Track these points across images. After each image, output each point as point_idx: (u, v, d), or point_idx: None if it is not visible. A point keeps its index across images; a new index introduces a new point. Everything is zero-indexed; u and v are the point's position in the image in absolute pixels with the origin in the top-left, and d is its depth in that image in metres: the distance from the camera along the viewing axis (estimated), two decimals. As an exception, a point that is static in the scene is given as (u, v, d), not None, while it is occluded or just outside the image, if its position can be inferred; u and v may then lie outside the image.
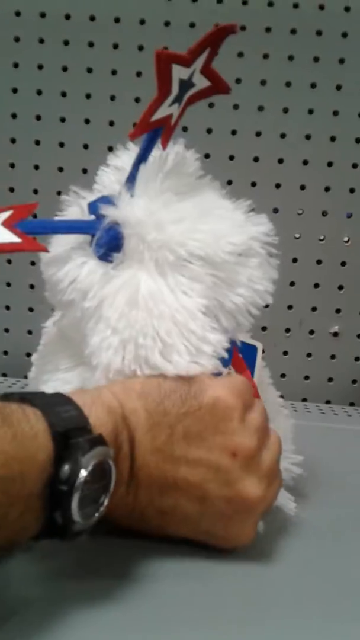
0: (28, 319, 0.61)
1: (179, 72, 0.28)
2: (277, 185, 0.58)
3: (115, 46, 0.57)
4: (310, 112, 0.57)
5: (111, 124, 0.58)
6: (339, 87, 0.56)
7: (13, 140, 0.60)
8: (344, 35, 0.55)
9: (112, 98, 0.58)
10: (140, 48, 0.57)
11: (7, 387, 0.58)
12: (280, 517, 0.31)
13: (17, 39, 0.58)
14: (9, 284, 0.62)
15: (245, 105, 0.57)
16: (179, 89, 0.29)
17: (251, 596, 0.26)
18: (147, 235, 0.28)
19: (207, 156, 0.54)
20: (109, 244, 0.29)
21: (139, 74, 0.57)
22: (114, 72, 0.58)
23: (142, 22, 0.57)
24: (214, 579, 0.27)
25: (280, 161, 0.58)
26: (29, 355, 0.63)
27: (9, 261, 0.61)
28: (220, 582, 0.26)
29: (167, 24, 0.57)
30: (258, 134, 0.57)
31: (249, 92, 0.56)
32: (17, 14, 0.58)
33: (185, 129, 0.51)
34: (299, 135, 0.57)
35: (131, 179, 0.30)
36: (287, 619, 0.24)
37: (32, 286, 0.60)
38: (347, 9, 0.55)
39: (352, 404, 0.59)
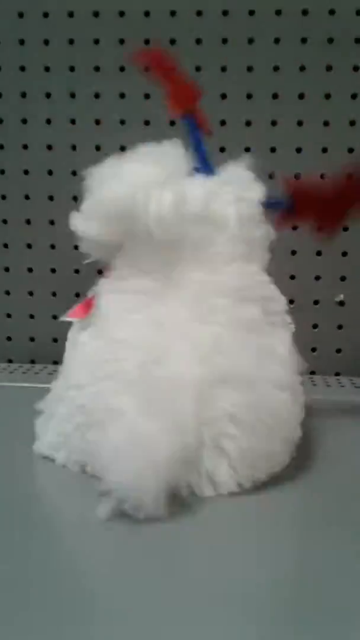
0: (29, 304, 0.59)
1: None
2: (272, 149, 0.55)
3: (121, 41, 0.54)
4: (301, 96, 0.54)
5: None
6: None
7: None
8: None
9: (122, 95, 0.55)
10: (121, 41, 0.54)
11: (9, 373, 0.57)
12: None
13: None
14: (7, 269, 0.59)
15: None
16: None
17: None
18: None
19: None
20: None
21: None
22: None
23: (147, 13, 0.54)
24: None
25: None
26: (32, 340, 0.61)
27: (5, 245, 0.59)
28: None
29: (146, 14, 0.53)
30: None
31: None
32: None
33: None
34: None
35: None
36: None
37: (30, 270, 0.59)
38: None
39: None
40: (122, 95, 0.55)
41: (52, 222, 0.58)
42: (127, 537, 0.28)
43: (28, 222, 0.58)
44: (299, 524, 0.31)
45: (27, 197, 0.58)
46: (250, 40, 0.53)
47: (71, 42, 0.55)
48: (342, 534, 0.28)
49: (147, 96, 0.54)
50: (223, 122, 0.54)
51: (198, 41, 0.53)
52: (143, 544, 0.27)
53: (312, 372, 0.57)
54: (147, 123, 0.55)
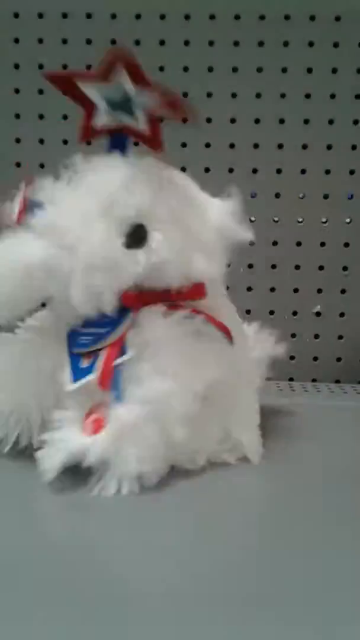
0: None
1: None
2: (254, 171, 0.59)
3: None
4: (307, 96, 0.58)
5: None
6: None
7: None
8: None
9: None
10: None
11: None
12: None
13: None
14: None
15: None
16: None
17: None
18: None
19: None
20: None
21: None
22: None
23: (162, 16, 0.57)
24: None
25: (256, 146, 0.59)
26: None
27: None
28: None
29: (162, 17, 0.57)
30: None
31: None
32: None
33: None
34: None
35: None
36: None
37: None
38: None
39: (337, 382, 0.61)
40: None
41: None
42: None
43: None
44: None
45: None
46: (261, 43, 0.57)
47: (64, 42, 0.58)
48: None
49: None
50: (233, 120, 0.58)
51: (211, 43, 0.57)
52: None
53: (291, 379, 0.60)
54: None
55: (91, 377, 0.32)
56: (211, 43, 0.57)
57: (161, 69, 0.57)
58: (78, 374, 0.32)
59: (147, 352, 0.33)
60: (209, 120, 0.58)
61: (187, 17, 0.57)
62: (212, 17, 0.57)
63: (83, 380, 0.32)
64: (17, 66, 0.59)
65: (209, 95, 0.58)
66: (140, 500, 0.31)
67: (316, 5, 0.56)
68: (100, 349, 0.33)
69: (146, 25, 0.57)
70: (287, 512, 0.32)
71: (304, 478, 0.36)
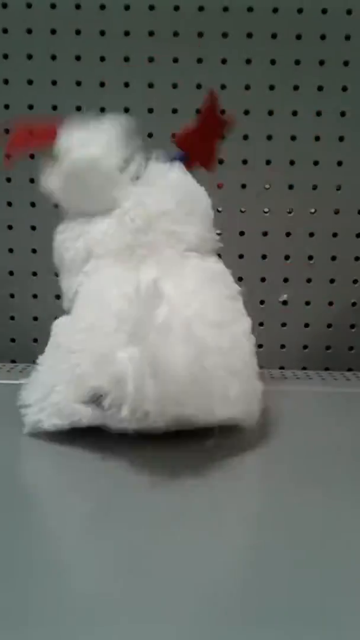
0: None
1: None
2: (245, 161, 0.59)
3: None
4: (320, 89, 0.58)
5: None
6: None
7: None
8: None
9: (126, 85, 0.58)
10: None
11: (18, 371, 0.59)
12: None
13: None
14: (11, 273, 0.62)
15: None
16: None
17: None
18: None
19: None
20: None
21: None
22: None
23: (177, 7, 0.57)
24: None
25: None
26: (35, 341, 0.64)
27: (10, 250, 0.62)
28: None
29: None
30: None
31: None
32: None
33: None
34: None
35: None
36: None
37: (34, 273, 0.61)
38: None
39: (304, 368, 0.62)
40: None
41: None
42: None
43: (33, 228, 0.61)
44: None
45: (32, 205, 0.60)
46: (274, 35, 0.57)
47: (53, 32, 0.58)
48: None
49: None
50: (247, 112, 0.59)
51: (224, 35, 0.57)
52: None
53: (282, 367, 0.62)
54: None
55: None
56: (225, 35, 0.57)
57: (175, 60, 0.58)
58: None
59: None
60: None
61: (201, 8, 0.57)
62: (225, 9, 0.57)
63: None
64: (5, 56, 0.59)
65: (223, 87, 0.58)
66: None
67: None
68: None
69: (161, 17, 0.57)
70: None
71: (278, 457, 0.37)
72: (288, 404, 0.47)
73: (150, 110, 0.59)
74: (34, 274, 0.61)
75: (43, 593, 0.24)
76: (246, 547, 0.29)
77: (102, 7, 0.57)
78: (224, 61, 0.58)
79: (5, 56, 0.58)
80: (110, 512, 0.31)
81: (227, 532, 0.30)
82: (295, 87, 0.58)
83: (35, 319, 0.62)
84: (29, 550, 0.28)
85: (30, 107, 0.59)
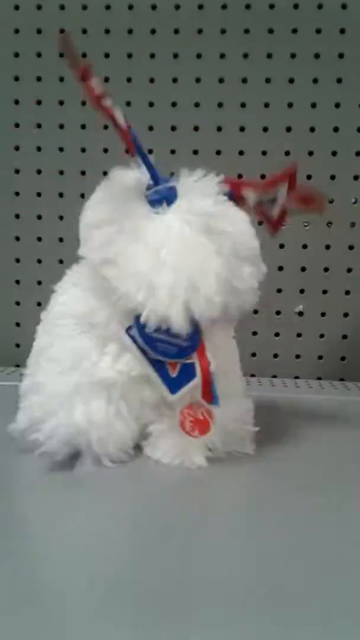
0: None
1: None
2: (240, 176, 0.61)
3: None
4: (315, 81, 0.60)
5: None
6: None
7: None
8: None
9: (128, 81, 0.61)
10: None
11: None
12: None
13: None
14: (17, 282, 0.65)
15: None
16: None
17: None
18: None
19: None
20: (167, 195, 0.37)
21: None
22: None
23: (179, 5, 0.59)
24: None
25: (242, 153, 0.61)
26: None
27: (18, 260, 0.65)
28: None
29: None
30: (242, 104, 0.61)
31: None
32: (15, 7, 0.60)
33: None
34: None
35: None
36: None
37: (39, 282, 0.64)
38: None
39: (319, 378, 0.63)
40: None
41: (60, 240, 0.64)
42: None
43: (39, 239, 0.64)
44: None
45: (39, 217, 0.64)
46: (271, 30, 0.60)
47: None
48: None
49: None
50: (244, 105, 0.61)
51: (223, 31, 0.60)
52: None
53: (296, 377, 0.63)
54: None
55: (189, 388, 0.37)
56: (223, 31, 0.60)
57: (175, 55, 0.61)
58: (172, 384, 0.37)
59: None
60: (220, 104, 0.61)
61: (200, 7, 0.60)
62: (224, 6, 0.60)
63: (183, 391, 0.37)
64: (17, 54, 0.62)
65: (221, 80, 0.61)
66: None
67: None
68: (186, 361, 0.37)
69: (162, 15, 0.60)
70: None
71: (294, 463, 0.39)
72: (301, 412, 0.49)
73: (151, 104, 0.61)
74: (39, 282, 0.64)
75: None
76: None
77: (108, 7, 0.60)
78: (222, 56, 0.60)
79: (17, 54, 0.62)
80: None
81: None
82: (291, 80, 0.60)
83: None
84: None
85: (39, 102, 0.62)
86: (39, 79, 0.62)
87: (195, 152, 0.61)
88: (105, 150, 0.62)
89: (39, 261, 0.64)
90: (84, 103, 0.62)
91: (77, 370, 0.37)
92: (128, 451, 0.38)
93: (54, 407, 0.37)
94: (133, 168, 0.39)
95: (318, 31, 0.59)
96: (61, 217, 0.63)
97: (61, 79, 0.61)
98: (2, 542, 0.29)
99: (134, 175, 0.39)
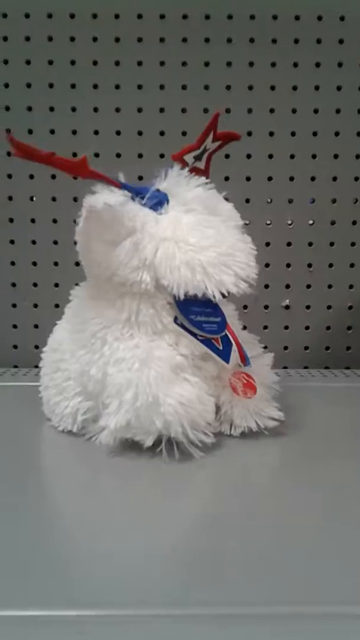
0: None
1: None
2: (247, 177, 0.64)
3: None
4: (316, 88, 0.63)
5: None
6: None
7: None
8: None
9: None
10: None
11: (22, 375, 0.63)
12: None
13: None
14: (14, 284, 0.66)
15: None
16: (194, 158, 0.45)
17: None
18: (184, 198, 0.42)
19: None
20: (162, 197, 0.43)
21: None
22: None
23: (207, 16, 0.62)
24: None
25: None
26: (36, 347, 0.68)
27: (13, 263, 0.66)
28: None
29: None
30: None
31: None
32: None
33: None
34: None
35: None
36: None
37: (35, 284, 0.66)
38: None
39: (306, 367, 0.67)
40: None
41: (55, 242, 0.65)
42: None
43: (33, 242, 0.66)
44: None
45: (32, 221, 0.65)
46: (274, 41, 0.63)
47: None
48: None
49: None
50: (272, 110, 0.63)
51: (229, 40, 0.62)
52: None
53: (285, 367, 0.67)
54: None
55: (235, 355, 0.43)
56: (229, 40, 0.62)
57: (184, 63, 0.63)
58: (224, 355, 0.43)
59: None
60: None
61: (207, 17, 0.62)
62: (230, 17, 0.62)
63: (232, 358, 0.43)
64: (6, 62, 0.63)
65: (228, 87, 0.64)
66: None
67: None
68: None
69: (170, 24, 0.62)
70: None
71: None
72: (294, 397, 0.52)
73: (162, 110, 0.64)
74: (35, 284, 0.66)
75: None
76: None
77: (117, 16, 0.62)
78: (229, 64, 0.63)
79: (28, 62, 0.63)
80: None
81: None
82: (294, 88, 0.64)
83: (36, 326, 0.66)
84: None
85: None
86: (28, 85, 0.63)
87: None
88: (97, 155, 0.63)
89: (34, 264, 0.66)
90: (74, 109, 0.64)
91: (149, 363, 0.39)
92: (211, 428, 0.42)
93: (145, 401, 0.39)
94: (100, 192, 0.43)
95: (318, 41, 0.63)
96: (55, 221, 0.65)
97: (51, 86, 0.63)
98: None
99: (108, 197, 0.42)
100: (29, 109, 0.64)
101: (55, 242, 0.65)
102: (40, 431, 0.45)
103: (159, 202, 0.42)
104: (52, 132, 0.64)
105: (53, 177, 0.64)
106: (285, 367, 0.67)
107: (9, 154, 0.62)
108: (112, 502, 0.35)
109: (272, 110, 0.64)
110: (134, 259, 0.39)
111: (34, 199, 0.65)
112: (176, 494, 0.36)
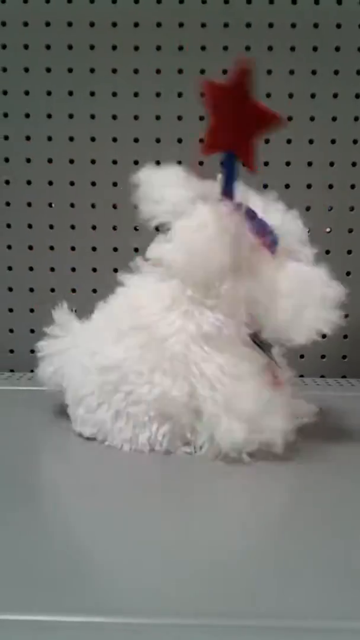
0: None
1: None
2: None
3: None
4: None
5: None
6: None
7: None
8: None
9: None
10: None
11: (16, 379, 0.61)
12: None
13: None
14: (10, 289, 0.65)
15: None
16: None
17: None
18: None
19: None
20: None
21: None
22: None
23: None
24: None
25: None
26: (32, 352, 0.64)
27: (10, 268, 0.64)
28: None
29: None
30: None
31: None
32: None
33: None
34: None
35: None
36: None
37: (32, 289, 0.64)
38: None
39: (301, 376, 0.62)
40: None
41: (51, 248, 0.64)
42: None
43: (30, 248, 0.64)
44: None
45: (29, 226, 0.64)
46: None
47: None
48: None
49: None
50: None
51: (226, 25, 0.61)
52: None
53: (301, 376, 0.62)
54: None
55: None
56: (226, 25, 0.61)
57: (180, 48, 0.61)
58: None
59: None
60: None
61: (203, 25, 0.61)
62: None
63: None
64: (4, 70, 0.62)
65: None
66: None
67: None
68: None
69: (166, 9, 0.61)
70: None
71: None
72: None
73: (158, 94, 0.62)
74: (31, 290, 0.64)
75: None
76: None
77: (114, 1, 0.61)
78: (225, 48, 0.61)
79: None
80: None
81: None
82: (291, 72, 0.61)
83: (32, 331, 0.63)
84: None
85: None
86: (26, 93, 0.62)
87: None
88: (93, 162, 0.62)
89: (31, 269, 0.64)
90: (71, 116, 0.62)
91: (255, 377, 0.41)
92: None
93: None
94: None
95: (314, 49, 0.61)
96: (51, 226, 0.63)
97: (49, 93, 0.62)
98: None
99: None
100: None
101: (52, 248, 0.64)
102: (41, 436, 0.45)
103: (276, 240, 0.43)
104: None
105: (50, 183, 0.63)
106: (301, 376, 0.62)
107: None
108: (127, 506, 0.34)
109: (269, 72, 0.61)
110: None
111: (31, 204, 0.63)
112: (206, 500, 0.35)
